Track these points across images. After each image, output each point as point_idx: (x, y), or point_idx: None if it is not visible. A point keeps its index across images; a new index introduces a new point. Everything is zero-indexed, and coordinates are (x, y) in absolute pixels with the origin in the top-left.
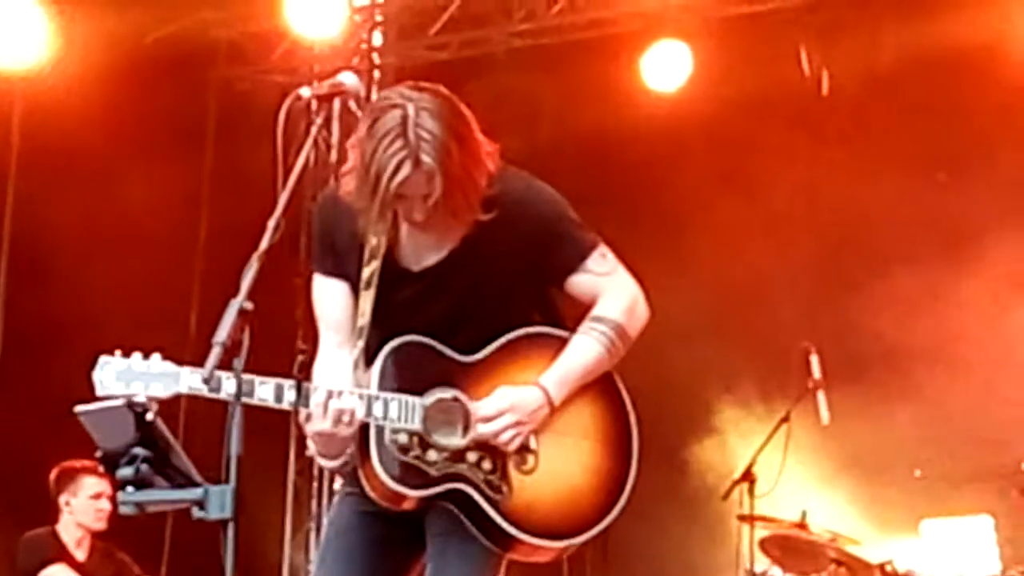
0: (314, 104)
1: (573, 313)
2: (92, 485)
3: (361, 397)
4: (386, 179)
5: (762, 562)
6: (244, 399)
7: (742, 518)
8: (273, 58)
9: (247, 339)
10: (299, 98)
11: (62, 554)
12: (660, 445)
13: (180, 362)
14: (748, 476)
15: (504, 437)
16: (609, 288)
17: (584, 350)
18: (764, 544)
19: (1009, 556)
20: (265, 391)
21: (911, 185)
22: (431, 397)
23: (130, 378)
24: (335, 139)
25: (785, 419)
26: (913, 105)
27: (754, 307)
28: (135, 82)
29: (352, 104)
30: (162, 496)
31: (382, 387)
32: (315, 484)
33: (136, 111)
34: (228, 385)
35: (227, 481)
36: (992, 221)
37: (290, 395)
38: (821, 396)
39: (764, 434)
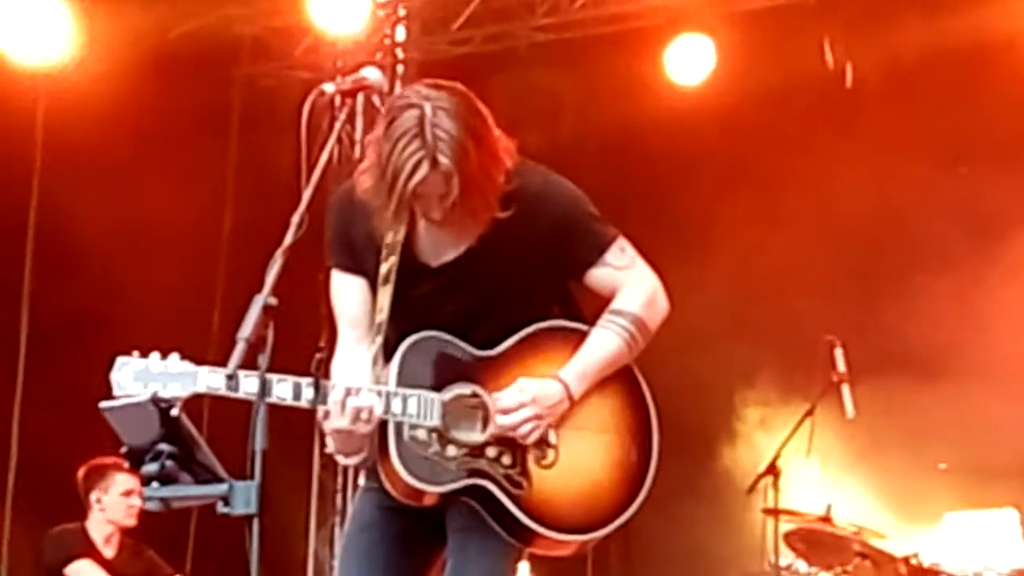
0: (338, 100)
1: (593, 307)
2: (123, 482)
3: (379, 394)
4: (403, 179)
5: (787, 556)
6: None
7: (767, 512)
8: (296, 54)
9: (271, 335)
10: (323, 94)
11: (89, 550)
12: (684, 440)
13: (203, 357)
14: (773, 470)
15: (523, 430)
16: (628, 281)
17: (603, 343)
18: (789, 538)
19: None
20: (283, 389)
21: (934, 178)
22: (450, 393)
23: (148, 379)
24: (359, 135)
25: (810, 413)
26: (937, 98)
27: (777, 301)
28: (159, 78)
29: (376, 99)
30: (187, 492)
31: (400, 383)
32: (339, 479)
33: (160, 107)
34: (246, 384)
35: (252, 477)
36: (1017, 214)
37: (308, 393)
38: (846, 390)
39: (789, 428)
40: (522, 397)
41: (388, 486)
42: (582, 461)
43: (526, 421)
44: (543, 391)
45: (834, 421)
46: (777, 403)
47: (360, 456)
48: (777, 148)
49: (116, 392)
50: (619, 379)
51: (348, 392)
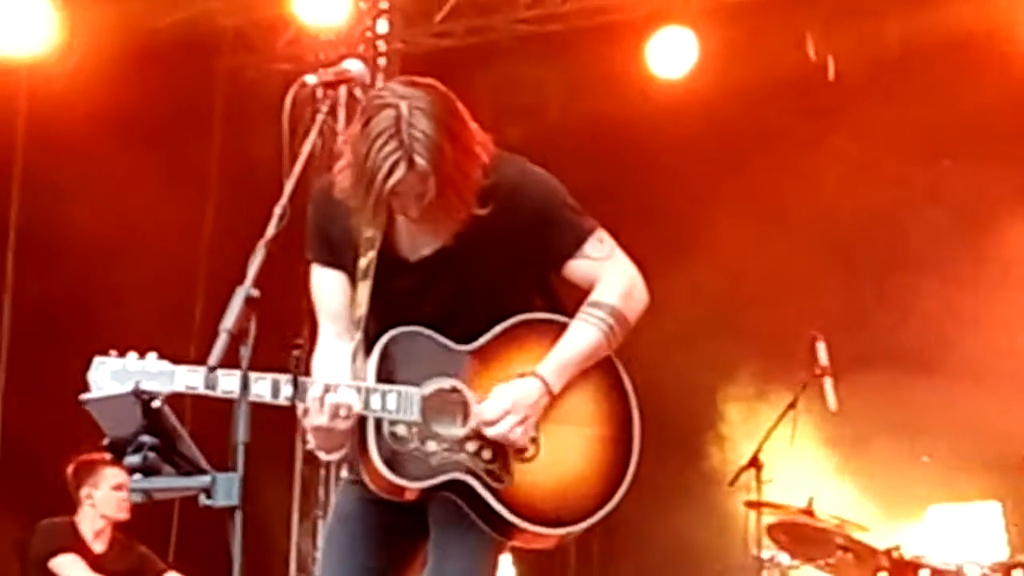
0: (320, 92)
1: (574, 298)
2: (113, 476)
3: (358, 390)
4: (380, 180)
5: (769, 548)
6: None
7: (749, 504)
8: (279, 46)
9: (253, 327)
10: (304, 85)
11: (76, 545)
12: (667, 433)
13: (186, 348)
14: (755, 463)
15: (513, 436)
16: (607, 273)
17: (581, 336)
18: (771, 530)
19: (1017, 542)
20: (262, 387)
21: (917, 171)
22: (429, 387)
23: (125, 378)
24: (341, 126)
25: (792, 406)
26: (919, 90)
27: (761, 295)
28: (141, 71)
29: (358, 91)
30: (169, 483)
31: (380, 378)
32: (322, 471)
33: (142, 99)
34: (224, 383)
35: (234, 469)
36: (1000, 206)
37: (287, 390)
38: (828, 383)
39: (771, 421)
40: (503, 404)
41: (369, 482)
42: (563, 455)
43: (514, 428)
44: (522, 392)
45: (817, 414)
46: (760, 397)
47: (341, 452)
48: (759, 141)
49: (93, 392)
50: (601, 372)
51: (327, 389)
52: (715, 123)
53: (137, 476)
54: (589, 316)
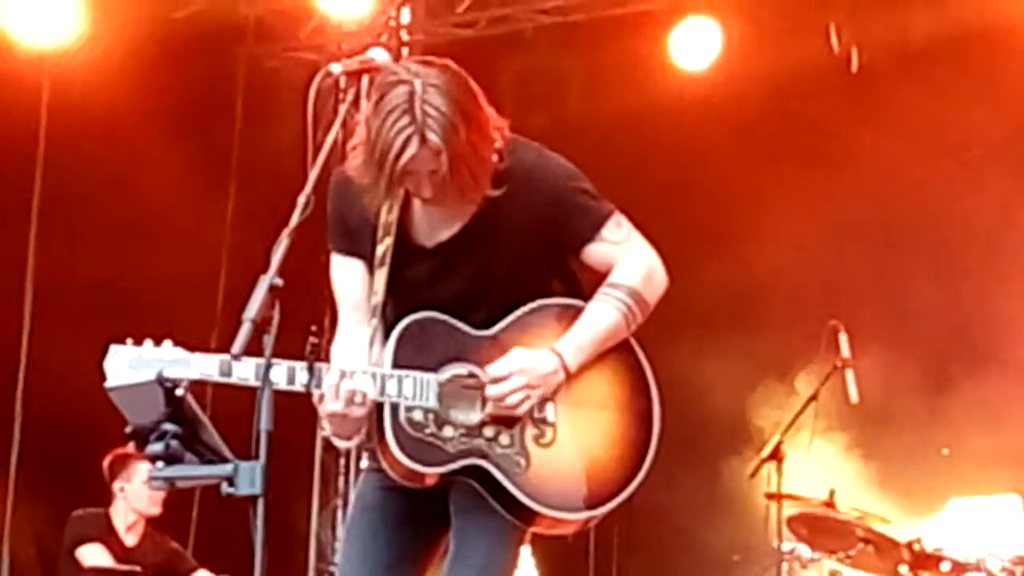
0: (343, 81)
1: (593, 284)
2: (145, 470)
3: (374, 376)
4: (392, 156)
5: (789, 540)
6: (257, 382)
7: (770, 496)
8: (301, 35)
9: (277, 316)
10: (329, 74)
11: (107, 536)
12: (687, 424)
13: (208, 337)
14: (776, 454)
15: (513, 400)
16: (625, 256)
17: (600, 316)
18: (792, 522)
19: None
20: (277, 374)
21: (941, 161)
22: (446, 373)
23: (141, 366)
24: (364, 116)
25: (813, 397)
26: (943, 81)
27: (784, 285)
28: (163, 59)
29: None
30: (192, 472)
31: (397, 364)
32: (342, 460)
33: (164, 88)
34: (239, 369)
35: (257, 457)
36: (1022, 197)
37: (303, 377)
38: (850, 374)
39: (793, 412)
40: (511, 366)
41: (387, 468)
42: (581, 439)
43: (515, 391)
44: (535, 361)
45: (838, 406)
46: (781, 387)
47: (357, 439)
48: (782, 132)
49: (109, 381)
50: (620, 356)
51: (342, 375)
52: (738, 114)
53: (159, 464)
54: (608, 297)
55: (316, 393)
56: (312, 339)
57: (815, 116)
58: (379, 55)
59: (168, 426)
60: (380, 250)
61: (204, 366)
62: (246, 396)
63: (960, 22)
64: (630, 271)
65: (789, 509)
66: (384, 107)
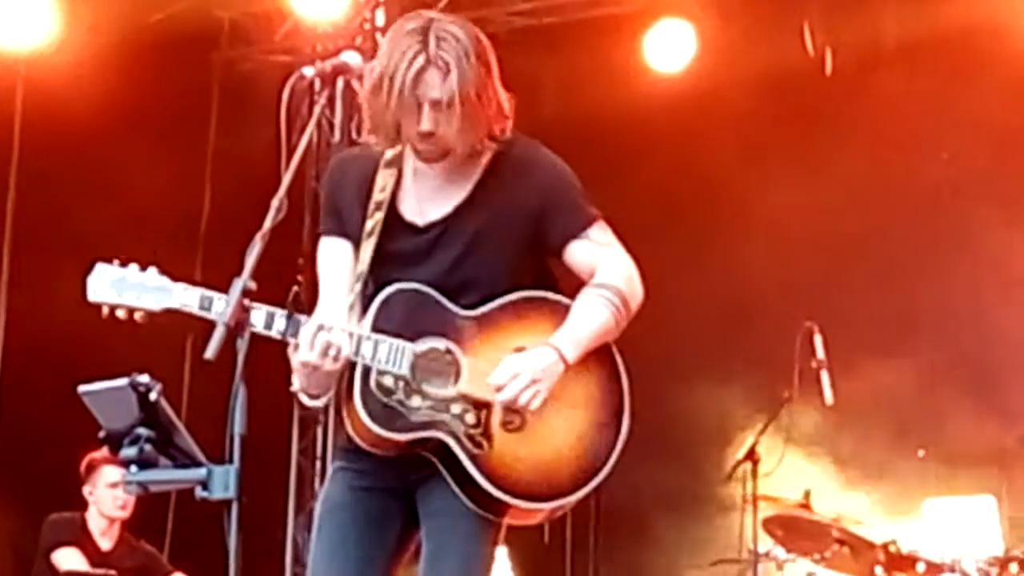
0: (317, 84)
1: (570, 291)
2: (109, 474)
3: (351, 335)
4: (401, 72)
5: (765, 542)
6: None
7: (745, 498)
8: (276, 38)
9: (250, 319)
10: (302, 77)
11: (83, 540)
12: (663, 426)
13: (183, 339)
14: (751, 456)
15: (524, 398)
16: (609, 257)
17: (593, 313)
18: (767, 524)
19: (1012, 536)
20: (256, 317)
21: (915, 164)
22: (424, 345)
23: (123, 288)
24: (338, 119)
25: (789, 399)
26: (917, 84)
27: (760, 290)
28: (138, 62)
29: (355, 83)
30: (166, 476)
31: (375, 328)
32: (318, 464)
33: (139, 91)
34: (218, 305)
35: (231, 461)
36: (999, 200)
37: (280, 323)
38: (825, 376)
39: (768, 414)
40: (512, 368)
41: (350, 430)
42: (548, 431)
43: (524, 389)
44: (533, 357)
45: (813, 407)
46: (756, 389)
47: (324, 399)
48: (757, 134)
49: (90, 297)
50: (599, 357)
51: (320, 328)
52: (713, 116)
53: (133, 468)
54: (599, 296)
55: (292, 343)
56: (295, 288)
57: (790, 117)
58: (352, 58)
59: (142, 430)
60: (369, 224)
61: (185, 297)
62: (222, 399)
63: (935, 23)
64: (616, 273)
65: (765, 511)
66: (398, 31)
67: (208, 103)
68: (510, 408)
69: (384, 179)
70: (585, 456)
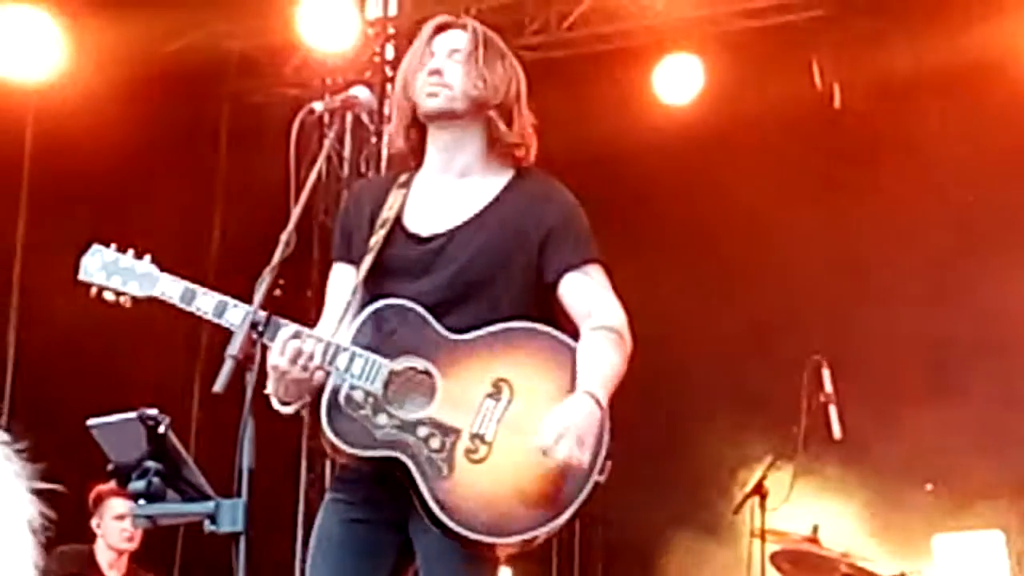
0: (327, 118)
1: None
2: (116, 507)
3: (328, 346)
4: (426, 30)
5: None
6: (215, 319)
7: (753, 532)
8: (286, 71)
9: (259, 353)
10: (312, 112)
11: (91, 572)
12: (673, 458)
13: (192, 373)
14: (759, 490)
15: (575, 459)
16: (606, 300)
17: (611, 354)
18: (775, 558)
19: (1021, 572)
20: (235, 315)
21: (924, 197)
22: (402, 363)
23: (112, 271)
24: (347, 152)
25: (796, 433)
26: (926, 118)
27: (766, 321)
28: (147, 95)
29: (364, 117)
30: (174, 509)
31: (357, 341)
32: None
33: (148, 124)
34: (201, 301)
35: (239, 495)
36: (1009, 234)
37: (259, 318)
38: (833, 410)
39: (776, 448)
40: (556, 428)
41: (323, 442)
42: (513, 466)
43: (572, 453)
44: (572, 411)
45: (821, 441)
46: (764, 423)
47: (296, 405)
48: (765, 168)
49: (80, 275)
50: None
51: (295, 334)
52: (721, 150)
53: (142, 502)
54: (607, 338)
55: (270, 344)
56: (276, 291)
57: (798, 151)
58: (361, 93)
59: (150, 463)
60: (373, 240)
61: (169, 288)
62: (230, 433)
63: (943, 59)
64: (616, 317)
65: (772, 545)
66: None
67: (217, 136)
68: (476, 437)
69: (394, 198)
70: (545, 499)
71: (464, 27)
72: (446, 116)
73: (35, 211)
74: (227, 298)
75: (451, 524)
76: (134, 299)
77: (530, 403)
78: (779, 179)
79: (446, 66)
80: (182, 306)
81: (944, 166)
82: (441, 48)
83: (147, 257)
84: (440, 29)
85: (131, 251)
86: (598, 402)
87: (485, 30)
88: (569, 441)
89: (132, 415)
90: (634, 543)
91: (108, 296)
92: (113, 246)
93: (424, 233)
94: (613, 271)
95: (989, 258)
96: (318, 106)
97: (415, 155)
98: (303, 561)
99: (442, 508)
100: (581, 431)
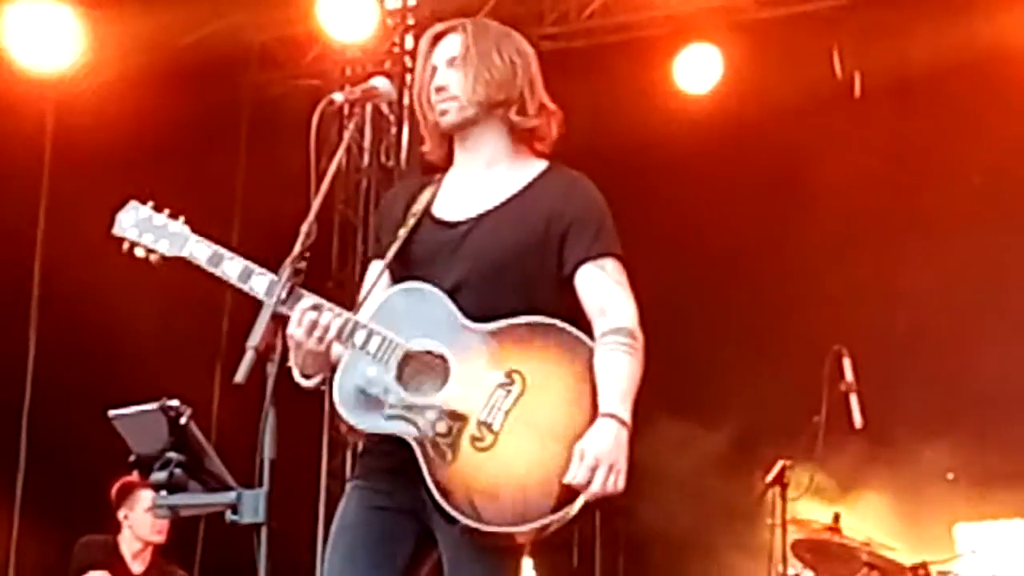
0: (346, 109)
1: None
2: (148, 498)
3: (347, 321)
4: (424, 42)
5: (794, 565)
6: (240, 284)
7: (774, 522)
8: (305, 62)
9: (280, 343)
10: (332, 103)
11: (114, 563)
12: (691, 447)
13: (212, 365)
14: (780, 479)
15: (609, 487)
16: (618, 296)
17: (628, 364)
18: (796, 547)
19: None
20: (258, 282)
21: (946, 188)
22: (419, 345)
23: (144, 228)
24: (367, 143)
25: (818, 422)
26: (946, 108)
27: (787, 310)
28: (167, 86)
29: (384, 108)
30: (196, 500)
31: (377, 319)
32: (348, 488)
33: (168, 115)
34: (228, 266)
35: (260, 485)
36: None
37: (281, 291)
38: (854, 399)
39: (797, 437)
40: (588, 463)
41: (336, 418)
42: (517, 457)
43: (606, 480)
44: (599, 438)
45: (842, 430)
46: (785, 412)
47: (316, 380)
48: (785, 157)
49: (114, 230)
50: (593, 399)
51: (314, 306)
52: (741, 139)
53: (164, 492)
54: (622, 344)
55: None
56: (301, 264)
57: (818, 141)
58: (381, 83)
59: (172, 454)
60: (403, 231)
61: (197, 249)
62: (251, 423)
63: (965, 47)
64: (629, 316)
65: (794, 534)
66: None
67: (237, 127)
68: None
69: (426, 194)
70: (546, 495)
71: (456, 29)
72: (463, 126)
73: (56, 202)
74: (253, 264)
75: (447, 507)
76: (164, 258)
77: (541, 398)
78: (799, 167)
79: (448, 78)
80: (209, 269)
81: (967, 155)
82: (440, 59)
83: (181, 218)
84: (436, 40)
85: (167, 211)
86: (622, 422)
87: (475, 26)
88: (603, 473)
89: (154, 406)
90: (655, 533)
91: (139, 252)
92: (150, 204)
93: (451, 219)
94: (632, 260)
95: (1017, 247)
96: (338, 97)
97: (451, 158)
98: (323, 551)
99: (440, 491)
100: (612, 459)
